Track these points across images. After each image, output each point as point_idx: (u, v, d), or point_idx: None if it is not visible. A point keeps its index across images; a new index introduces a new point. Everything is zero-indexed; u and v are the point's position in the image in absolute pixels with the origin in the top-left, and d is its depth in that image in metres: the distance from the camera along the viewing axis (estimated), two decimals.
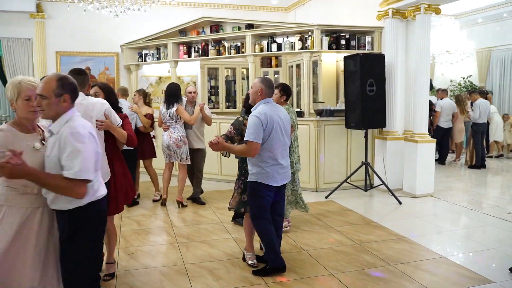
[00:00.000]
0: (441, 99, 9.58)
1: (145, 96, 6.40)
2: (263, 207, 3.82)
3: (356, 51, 6.87)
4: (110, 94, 4.05)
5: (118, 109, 3.99)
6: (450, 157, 10.23)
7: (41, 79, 2.54)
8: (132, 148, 5.85)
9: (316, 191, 6.92)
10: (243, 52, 7.59)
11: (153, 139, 8.25)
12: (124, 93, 6.62)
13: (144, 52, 8.87)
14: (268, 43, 7.36)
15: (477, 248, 4.51)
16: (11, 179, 2.30)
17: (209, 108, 7.35)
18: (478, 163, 9.06)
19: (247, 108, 4.16)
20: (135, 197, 6.27)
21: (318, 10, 9.16)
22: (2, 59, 9.41)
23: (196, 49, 8.16)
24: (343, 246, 4.56)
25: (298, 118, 6.93)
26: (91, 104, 3.50)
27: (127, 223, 5.48)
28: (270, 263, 3.88)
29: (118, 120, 3.73)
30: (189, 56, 8.25)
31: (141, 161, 6.55)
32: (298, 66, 9.11)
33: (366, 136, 6.53)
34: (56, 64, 9.50)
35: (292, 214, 5.65)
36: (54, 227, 2.57)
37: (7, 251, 2.42)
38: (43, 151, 2.49)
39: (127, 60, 9.01)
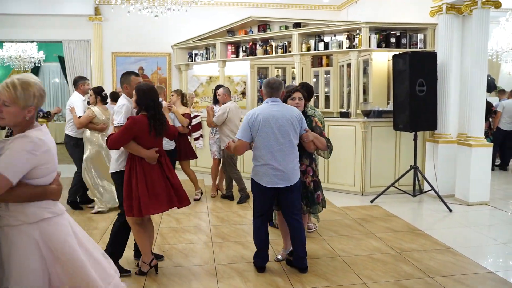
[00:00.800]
0: (504, 99, 8.91)
1: (182, 97, 6.43)
2: (257, 205, 3.89)
3: (407, 49, 6.53)
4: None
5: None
6: None
7: None
8: (171, 149, 6.08)
9: (362, 194, 6.67)
10: (290, 52, 7.49)
11: (200, 138, 8.39)
12: (160, 91, 6.68)
13: (194, 52, 9.01)
14: (315, 42, 7.20)
15: None
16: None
17: None
18: None
19: None
20: None
21: (370, 7, 8.84)
22: (64, 60, 9.99)
23: (244, 48, 8.16)
24: (381, 254, 4.33)
25: (344, 119, 6.77)
26: None
27: (167, 220, 5.56)
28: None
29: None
30: (237, 55, 8.27)
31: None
32: (349, 65, 8.84)
33: (415, 139, 6.19)
34: (112, 65, 9.89)
35: (332, 218, 5.49)
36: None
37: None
38: None
39: (178, 60, 9.20)
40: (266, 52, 7.81)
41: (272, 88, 3.75)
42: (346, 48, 6.84)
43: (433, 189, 6.07)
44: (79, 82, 6.04)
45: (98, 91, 5.91)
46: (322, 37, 7.16)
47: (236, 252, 4.43)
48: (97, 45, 9.70)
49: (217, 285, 3.67)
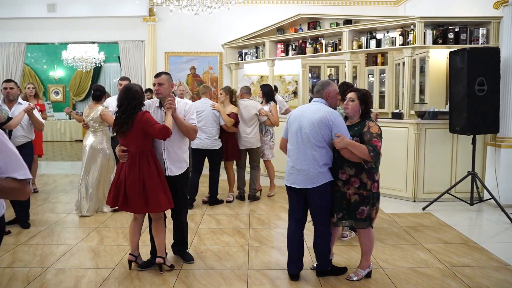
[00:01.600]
0: None
1: (231, 95, 6.31)
2: (289, 205, 3.93)
3: (467, 46, 6.02)
4: None
5: None
6: None
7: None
8: (217, 148, 6.07)
9: (414, 201, 6.27)
10: (340, 49, 7.19)
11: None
12: (206, 90, 6.62)
13: (244, 51, 8.95)
14: (367, 39, 6.86)
15: None
16: None
17: None
18: None
19: None
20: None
21: (431, 2, 8.30)
22: (120, 60, 10.32)
23: (293, 47, 7.97)
24: (428, 267, 3.99)
25: (395, 120, 6.40)
26: None
27: (207, 221, 5.52)
28: None
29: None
30: (287, 54, 8.09)
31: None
32: (405, 63, 8.38)
33: (474, 143, 5.70)
34: (165, 64, 10.06)
35: (378, 225, 5.18)
36: None
37: None
38: None
39: (228, 59, 9.17)
40: (316, 51, 7.57)
41: (314, 89, 3.83)
42: (400, 45, 6.44)
43: (493, 197, 5.55)
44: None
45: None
46: (374, 34, 6.80)
47: (272, 257, 4.28)
48: (150, 45, 9.90)
49: None
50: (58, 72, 15.76)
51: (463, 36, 6.14)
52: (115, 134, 3.93)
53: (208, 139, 5.98)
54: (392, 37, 6.55)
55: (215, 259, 4.25)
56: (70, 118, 6.96)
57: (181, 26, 9.78)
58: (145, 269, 3.96)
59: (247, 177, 6.73)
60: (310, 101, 3.96)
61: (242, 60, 8.94)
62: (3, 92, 5.33)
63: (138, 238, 4.02)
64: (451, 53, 5.84)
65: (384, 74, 9.28)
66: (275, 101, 6.54)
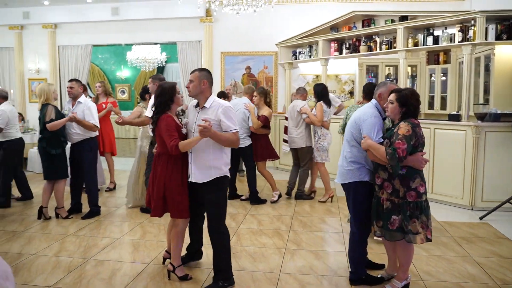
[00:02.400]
0: None
1: (265, 96, 6.20)
2: None
3: None
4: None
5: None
6: None
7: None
8: (244, 146, 6.03)
9: (471, 209, 5.83)
10: (394, 47, 6.86)
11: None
12: (248, 91, 6.57)
13: (298, 50, 8.82)
14: (423, 36, 6.47)
15: None
16: None
17: None
18: None
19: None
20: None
21: None
22: (178, 60, 10.60)
23: (347, 45, 7.73)
24: (475, 283, 3.67)
25: (452, 122, 6.01)
26: None
27: (249, 221, 5.49)
28: None
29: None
30: (340, 53, 7.87)
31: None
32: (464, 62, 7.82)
33: None
34: (221, 64, 10.18)
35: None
36: None
37: None
38: None
39: (282, 59, 9.10)
40: (370, 49, 7.28)
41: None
42: (459, 41, 6.00)
43: None
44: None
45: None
46: (431, 31, 6.40)
47: (307, 261, 4.15)
48: (207, 45, 10.06)
49: None
50: (124, 72, 16.54)
51: None
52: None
53: None
54: (451, 34, 6.12)
55: (249, 260, 4.20)
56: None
57: (237, 26, 9.85)
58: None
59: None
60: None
61: (296, 59, 8.83)
62: (67, 90, 5.69)
63: None
64: None
65: (446, 73, 8.73)
66: (325, 101, 6.30)
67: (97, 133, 5.64)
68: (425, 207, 3.31)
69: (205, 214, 3.79)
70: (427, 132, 5.90)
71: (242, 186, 7.05)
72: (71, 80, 5.71)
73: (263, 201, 6.31)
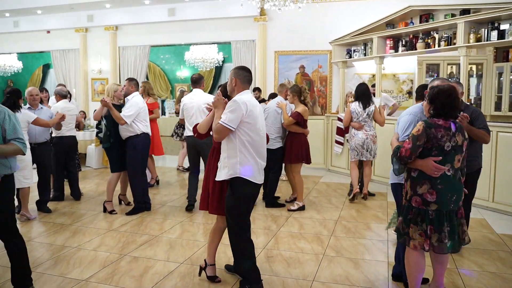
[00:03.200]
0: None
1: (299, 94, 5.85)
2: None
3: None
4: None
5: None
6: None
7: None
8: (273, 148, 5.79)
9: None
10: (454, 44, 6.37)
11: (341, 144, 7.90)
12: (281, 89, 6.35)
13: (352, 48, 8.49)
14: (487, 31, 5.94)
15: None
16: None
17: None
18: None
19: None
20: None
21: None
22: (232, 60, 10.62)
23: (403, 42, 7.30)
24: None
25: None
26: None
27: (291, 224, 5.32)
28: None
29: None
30: (396, 50, 7.45)
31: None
32: None
33: None
34: (274, 63, 10.06)
35: (482, 246, 4.45)
36: None
37: None
38: None
39: (335, 57, 8.80)
40: (427, 46, 6.82)
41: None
42: None
43: None
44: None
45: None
46: (496, 25, 5.86)
47: (344, 270, 3.91)
48: (261, 44, 9.99)
49: None
50: (183, 72, 16.90)
51: None
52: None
53: None
54: None
55: (283, 265, 4.03)
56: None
57: (291, 25, 9.70)
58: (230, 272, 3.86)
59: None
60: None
61: (350, 58, 8.50)
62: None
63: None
64: None
65: None
66: (363, 102, 6.23)
67: (142, 130, 5.62)
68: (432, 219, 2.93)
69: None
70: None
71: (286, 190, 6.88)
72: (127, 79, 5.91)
73: (280, 205, 6.11)
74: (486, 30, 5.95)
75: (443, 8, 6.75)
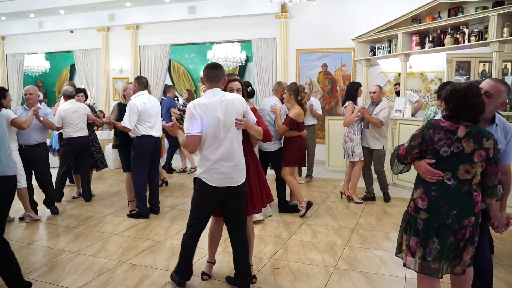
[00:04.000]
0: None
1: (297, 93, 5.41)
2: None
3: None
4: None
5: None
6: None
7: None
8: (274, 150, 5.50)
9: None
10: (485, 39, 5.87)
11: None
12: (277, 87, 5.97)
13: (377, 45, 8.06)
14: None
15: None
16: None
17: None
18: None
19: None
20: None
21: None
22: (253, 59, 10.34)
23: (430, 38, 6.83)
24: None
25: None
26: (230, 101, 3.25)
27: (303, 231, 4.99)
28: None
29: (253, 118, 3.39)
30: (422, 47, 6.99)
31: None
32: None
33: None
34: (296, 61, 9.72)
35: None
36: None
37: None
38: None
39: (359, 55, 8.39)
40: (456, 42, 6.35)
41: None
42: None
43: None
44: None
45: None
46: None
47: (355, 285, 3.56)
48: (282, 42, 9.67)
49: None
50: None
51: None
52: None
53: None
54: None
55: (289, 278, 3.72)
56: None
57: (313, 22, 9.35)
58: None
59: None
60: None
61: (374, 55, 8.07)
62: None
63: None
64: None
65: None
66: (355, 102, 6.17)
67: (142, 133, 5.36)
68: (419, 228, 2.57)
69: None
70: None
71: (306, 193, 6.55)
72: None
73: (294, 210, 5.75)
74: None
75: (474, 0, 6.23)
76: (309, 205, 5.55)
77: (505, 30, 5.57)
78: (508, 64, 8.24)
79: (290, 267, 3.95)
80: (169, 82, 14.76)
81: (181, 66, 16.87)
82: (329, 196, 6.65)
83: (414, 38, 7.05)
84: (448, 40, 6.41)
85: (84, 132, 6.24)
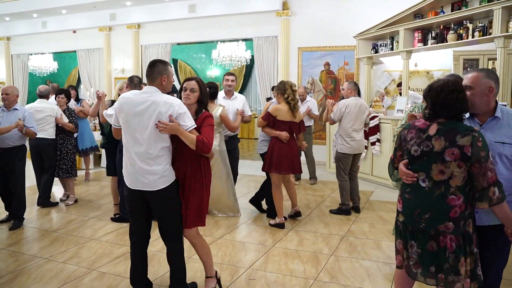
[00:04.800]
0: None
1: (284, 92, 4.95)
2: None
3: None
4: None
5: None
6: None
7: None
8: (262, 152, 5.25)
9: None
10: (490, 34, 5.51)
11: (377, 143, 7.13)
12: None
13: (379, 42, 7.74)
14: None
15: None
16: None
17: None
18: None
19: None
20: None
21: None
22: (254, 57, 10.09)
23: (433, 34, 6.49)
24: None
25: None
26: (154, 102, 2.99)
27: (290, 238, 4.72)
28: None
29: (188, 124, 3.02)
30: (425, 44, 6.66)
31: None
32: None
33: None
34: (298, 60, 9.46)
35: None
36: None
37: None
38: None
39: (360, 53, 8.08)
40: (460, 37, 5.99)
41: None
42: None
43: None
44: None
45: None
46: None
47: None
48: (284, 40, 9.41)
49: None
50: (214, 71, 16.55)
51: None
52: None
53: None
54: None
55: None
56: None
57: (315, 19, 9.08)
58: None
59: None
60: None
61: (376, 53, 7.74)
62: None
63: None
64: None
65: None
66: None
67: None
68: (400, 231, 2.52)
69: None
70: None
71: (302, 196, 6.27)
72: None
73: (262, 211, 5.63)
74: None
75: None
76: (281, 225, 5.07)
77: (511, 24, 5.21)
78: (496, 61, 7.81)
79: (267, 278, 3.69)
80: (175, 83, 14.66)
81: (187, 66, 16.74)
82: (324, 200, 6.36)
83: (416, 34, 6.72)
84: (451, 36, 6.08)
85: (46, 134, 5.77)
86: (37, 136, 5.41)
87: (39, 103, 5.89)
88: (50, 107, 5.92)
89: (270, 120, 4.95)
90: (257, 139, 6.33)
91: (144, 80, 3.58)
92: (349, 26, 8.59)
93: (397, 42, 7.08)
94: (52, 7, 10.72)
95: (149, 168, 2.98)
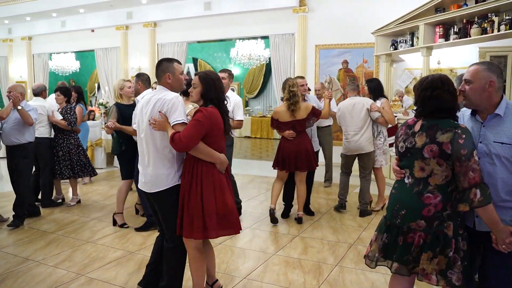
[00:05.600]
0: None
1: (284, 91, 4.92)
2: None
3: None
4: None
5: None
6: None
7: None
8: None
9: None
10: None
11: None
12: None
13: (399, 38, 7.34)
14: None
15: None
16: None
17: None
18: None
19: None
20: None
21: None
22: (271, 55, 9.84)
23: (456, 29, 6.07)
24: None
25: None
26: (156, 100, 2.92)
27: (294, 245, 4.44)
28: None
29: (178, 118, 2.81)
30: (446, 39, 6.24)
31: None
32: None
33: None
34: (315, 58, 9.14)
35: None
36: None
37: None
38: None
39: (379, 50, 7.68)
40: (484, 31, 5.57)
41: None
42: None
43: None
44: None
45: None
46: None
47: None
48: (301, 38, 9.10)
49: None
50: (234, 70, 16.37)
51: None
52: None
53: None
54: None
55: None
56: None
57: (333, 15, 8.75)
58: None
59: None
60: None
61: (395, 49, 7.35)
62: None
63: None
64: None
65: None
66: (386, 97, 5.42)
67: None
68: (380, 224, 2.48)
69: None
70: None
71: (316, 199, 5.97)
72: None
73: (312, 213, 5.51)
74: None
75: None
76: (271, 212, 5.07)
77: None
78: None
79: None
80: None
81: (207, 65, 16.62)
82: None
83: (437, 29, 6.30)
84: (474, 30, 5.65)
85: (38, 133, 5.53)
86: (36, 136, 5.31)
87: (32, 101, 5.75)
88: (41, 105, 5.69)
89: (273, 124, 5.03)
90: (276, 139, 6.11)
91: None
92: (367, 22, 8.20)
93: (417, 38, 6.68)
94: (70, 6, 10.73)
95: (145, 169, 2.95)
